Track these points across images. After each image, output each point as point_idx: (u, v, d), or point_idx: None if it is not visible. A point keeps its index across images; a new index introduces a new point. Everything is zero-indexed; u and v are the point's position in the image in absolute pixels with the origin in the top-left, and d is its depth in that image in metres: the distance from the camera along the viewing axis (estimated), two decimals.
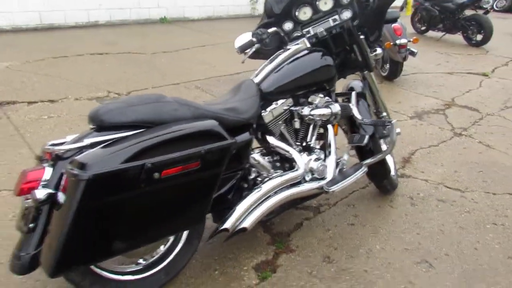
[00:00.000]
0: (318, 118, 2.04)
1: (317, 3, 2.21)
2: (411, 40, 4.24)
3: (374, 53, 2.29)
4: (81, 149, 1.44)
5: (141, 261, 1.75)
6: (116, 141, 1.41)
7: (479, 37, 7.25)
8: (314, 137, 2.15)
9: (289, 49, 2.11)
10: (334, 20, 2.20)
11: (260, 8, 9.14)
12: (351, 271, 1.99)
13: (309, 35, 2.17)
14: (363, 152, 2.35)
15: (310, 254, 2.09)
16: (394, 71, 4.91)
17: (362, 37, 2.18)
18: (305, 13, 2.23)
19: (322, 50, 2.10)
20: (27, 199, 1.41)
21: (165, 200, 1.44)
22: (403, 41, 4.19)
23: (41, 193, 1.35)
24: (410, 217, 2.44)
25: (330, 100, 2.13)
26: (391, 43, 3.94)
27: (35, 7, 6.42)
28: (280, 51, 2.13)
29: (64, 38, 6.13)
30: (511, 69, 6.11)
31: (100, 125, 1.49)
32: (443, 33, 7.64)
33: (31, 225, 1.41)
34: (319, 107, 2.05)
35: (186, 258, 1.81)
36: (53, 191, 1.38)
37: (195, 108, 1.66)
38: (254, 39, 2.10)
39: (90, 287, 1.54)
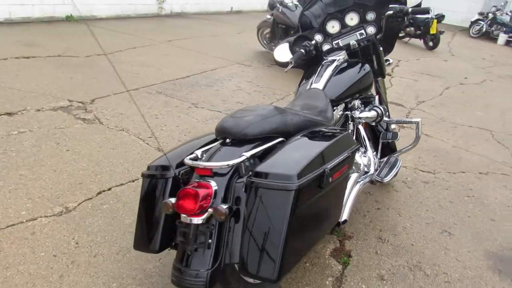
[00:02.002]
0: (365, 120, 2.37)
1: (345, 18, 2.52)
2: None
3: (388, 62, 2.71)
4: (239, 163, 1.51)
5: None
6: (275, 151, 1.53)
7: None
8: (353, 136, 2.47)
9: (334, 60, 2.38)
10: (361, 34, 2.54)
11: (167, 8, 9.01)
12: (403, 246, 2.38)
13: (340, 46, 2.47)
14: (383, 147, 2.76)
15: (365, 237, 2.41)
16: None
17: (381, 48, 2.57)
18: (333, 27, 2.51)
19: (361, 60, 2.42)
20: (193, 216, 1.43)
21: (329, 201, 1.60)
22: None
23: (224, 208, 1.40)
24: (414, 197, 2.95)
25: (370, 103, 2.47)
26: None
27: None
28: (326, 61, 2.38)
29: None
30: (403, 69, 7.30)
31: (243, 138, 1.57)
32: None
33: (209, 240, 1.43)
34: (364, 111, 2.38)
35: None
36: (230, 205, 1.43)
37: (303, 117, 1.83)
38: (303, 51, 2.32)
39: None
